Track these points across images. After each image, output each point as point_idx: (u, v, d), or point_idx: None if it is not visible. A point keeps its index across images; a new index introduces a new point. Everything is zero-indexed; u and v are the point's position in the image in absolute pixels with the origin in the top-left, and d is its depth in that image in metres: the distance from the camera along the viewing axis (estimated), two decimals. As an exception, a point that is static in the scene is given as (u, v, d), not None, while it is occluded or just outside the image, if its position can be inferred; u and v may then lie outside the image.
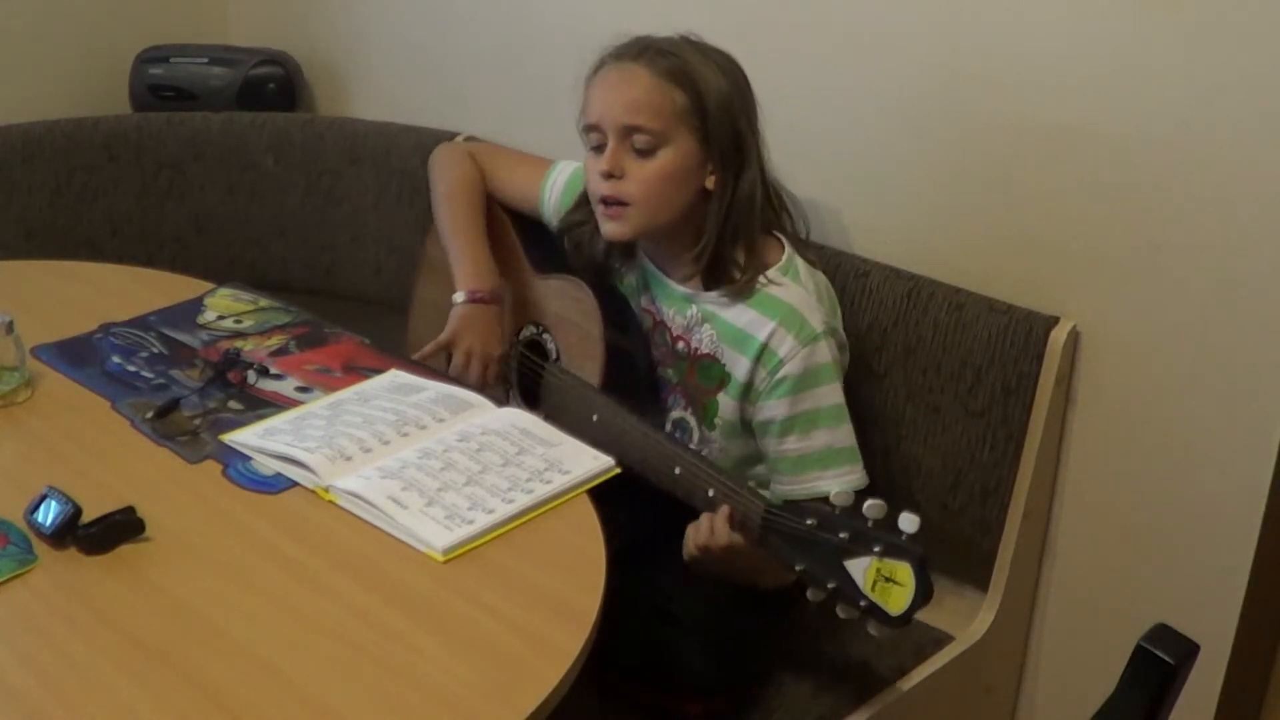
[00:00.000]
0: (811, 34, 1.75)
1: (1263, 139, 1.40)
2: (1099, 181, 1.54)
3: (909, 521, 1.20)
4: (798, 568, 1.26)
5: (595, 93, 1.55)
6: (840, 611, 1.24)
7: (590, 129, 1.55)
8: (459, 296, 1.68)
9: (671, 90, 1.50)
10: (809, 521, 1.25)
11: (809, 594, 1.26)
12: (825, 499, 1.52)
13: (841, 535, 1.22)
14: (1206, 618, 1.54)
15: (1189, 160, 1.46)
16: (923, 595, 1.19)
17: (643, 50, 1.53)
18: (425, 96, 2.31)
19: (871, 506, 1.21)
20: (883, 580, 1.20)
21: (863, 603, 1.21)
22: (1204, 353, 1.50)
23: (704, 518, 1.40)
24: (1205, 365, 1.50)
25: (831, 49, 1.74)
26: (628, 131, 1.51)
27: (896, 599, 1.19)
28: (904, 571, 1.18)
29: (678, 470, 1.41)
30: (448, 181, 1.81)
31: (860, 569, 1.21)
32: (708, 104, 1.51)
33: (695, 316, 1.59)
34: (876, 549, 1.20)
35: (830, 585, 1.23)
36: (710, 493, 1.38)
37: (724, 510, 1.36)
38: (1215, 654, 1.55)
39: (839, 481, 1.53)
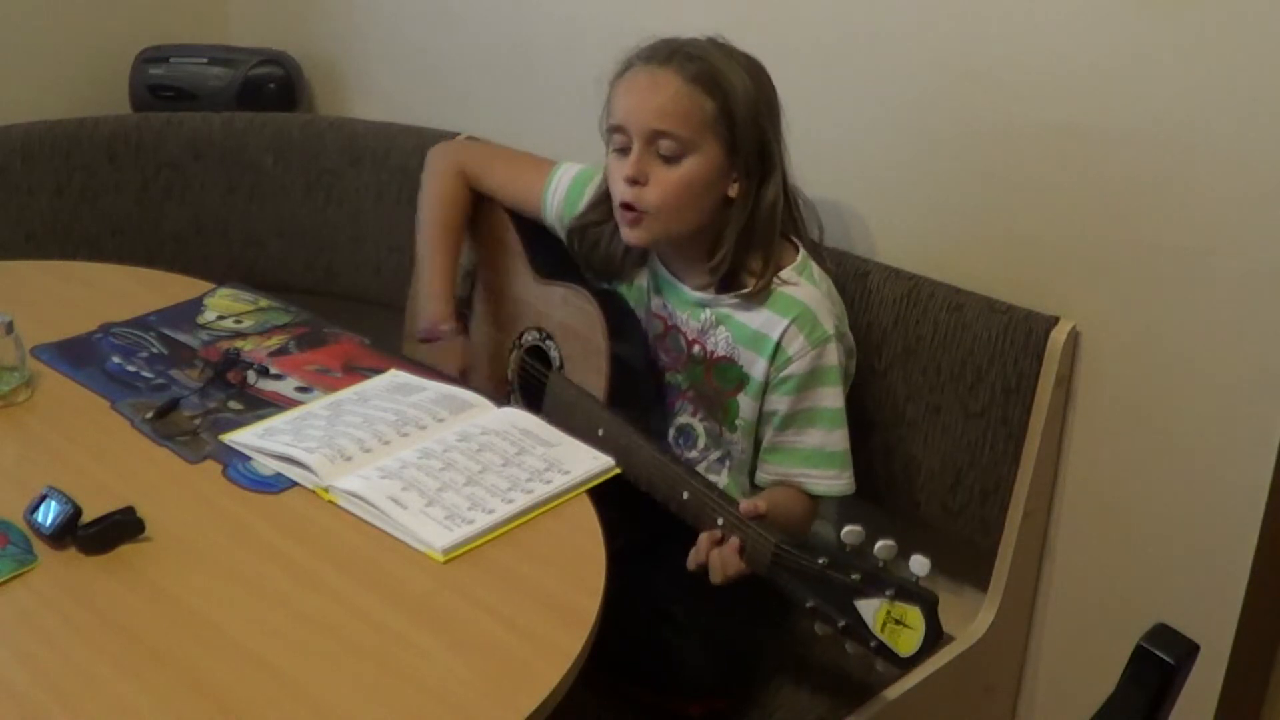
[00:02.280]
0: (811, 33, 1.75)
1: (1262, 138, 1.40)
2: (1099, 181, 1.54)
3: (920, 564, 1.20)
4: (808, 604, 1.27)
5: (622, 95, 1.52)
6: (849, 648, 1.25)
7: (615, 130, 1.53)
8: (423, 337, 1.72)
9: (701, 97, 1.48)
10: (820, 560, 1.25)
11: (817, 628, 1.27)
12: (802, 495, 1.55)
13: (853, 576, 1.22)
14: (1206, 618, 1.54)
15: (1189, 160, 1.46)
16: (932, 639, 1.20)
17: (672, 54, 1.50)
18: (425, 96, 2.32)
19: (883, 547, 1.21)
20: (893, 622, 1.20)
21: (873, 643, 1.22)
22: (1204, 352, 1.50)
23: (704, 539, 1.39)
24: (1205, 365, 1.50)
25: (831, 48, 1.74)
26: (654, 137, 1.49)
27: (906, 641, 1.20)
28: (914, 615, 1.19)
29: (686, 496, 1.41)
30: (428, 197, 1.81)
31: (871, 610, 1.21)
32: (736, 112, 1.49)
33: (709, 320, 1.59)
34: (888, 592, 1.20)
35: (841, 624, 1.24)
36: (720, 521, 1.37)
37: (733, 542, 1.35)
38: (1215, 654, 1.55)
39: (824, 483, 1.55)
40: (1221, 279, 1.47)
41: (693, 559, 1.39)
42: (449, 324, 1.72)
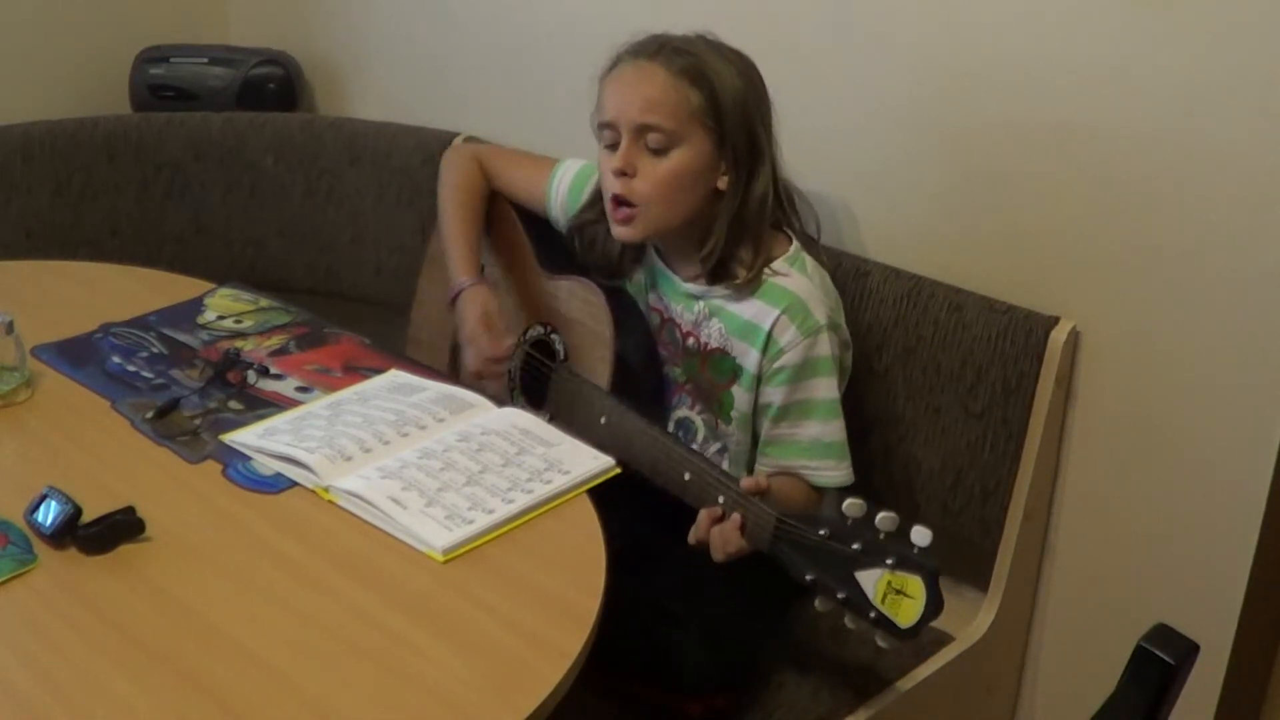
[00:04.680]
0: (811, 33, 1.75)
1: (1262, 138, 1.40)
2: (1099, 181, 1.54)
3: (921, 535, 1.20)
4: (808, 578, 1.26)
5: (610, 90, 1.54)
6: (849, 622, 1.25)
7: (605, 126, 1.54)
8: (450, 298, 1.69)
9: (687, 90, 1.49)
10: (821, 532, 1.25)
11: (817, 603, 1.26)
12: (803, 483, 1.55)
13: (854, 546, 1.22)
14: (1206, 618, 1.54)
15: (1189, 160, 1.46)
16: (933, 609, 1.19)
17: (659, 48, 1.52)
18: (425, 96, 2.32)
19: (884, 519, 1.21)
20: (893, 593, 1.20)
21: (872, 614, 1.21)
22: (1204, 353, 1.50)
23: (704, 516, 1.39)
24: (1205, 365, 1.50)
25: (832, 48, 1.74)
26: (642, 130, 1.50)
27: (907, 611, 1.19)
28: (915, 585, 1.19)
29: (687, 476, 1.41)
30: (449, 185, 1.82)
31: (871, 580, 1.21)
32: (723, 104, 1.50)
33: (703, 312, 1.59)
34: (889, 561, 1.20)
35: (840, 596, 1.23)
36: (721, 499, 1.37)
37: (735, 519, 1.35)
38: (1215, 654, 1.55)
39: (823, 474, 1.55)
40: (1221, 279, 1.47)
41: (693, 535, 1.40)
42: (467, 278, 1.70)
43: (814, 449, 1.55)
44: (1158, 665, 0.94)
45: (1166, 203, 1.49)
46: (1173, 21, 1.44)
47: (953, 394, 1.64)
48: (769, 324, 1.53)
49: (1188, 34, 1.43)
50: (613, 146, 1.53)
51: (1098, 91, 1.51)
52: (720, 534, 1.37)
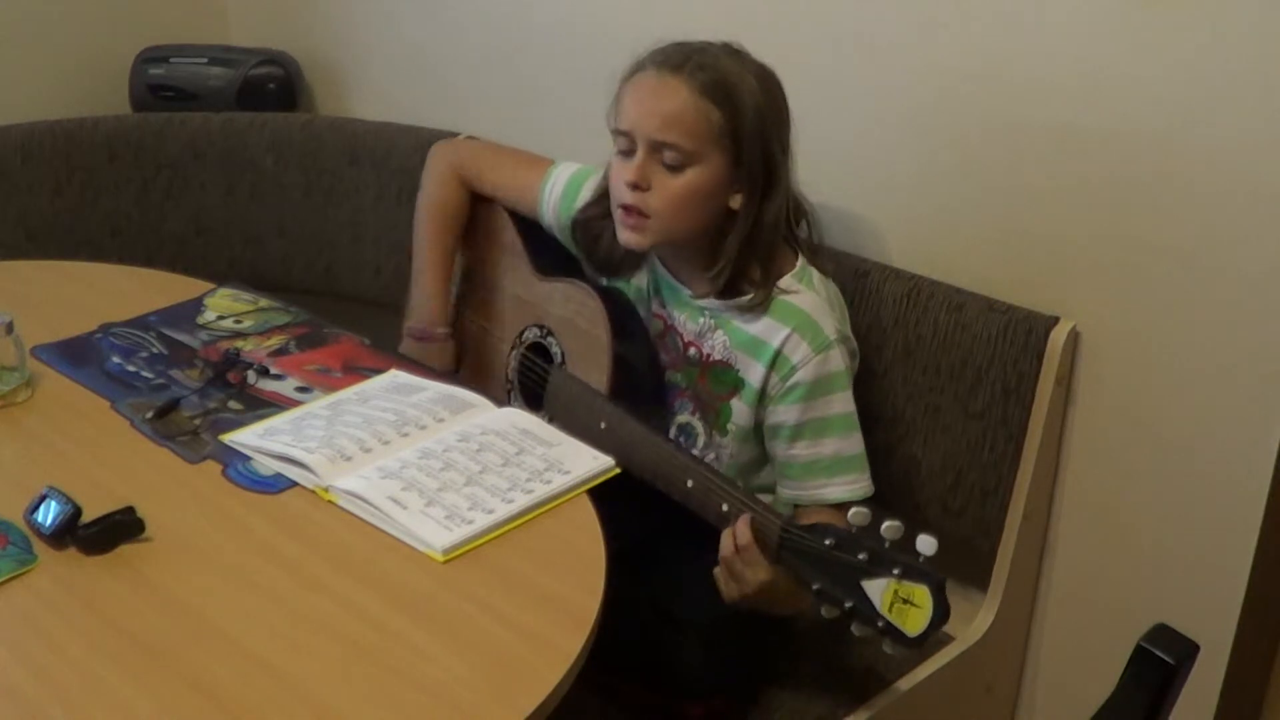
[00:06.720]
0: (811, 35, 1.75)
1: (1262, 138, 1.40)
2: (1099, 181, 1.54)
3: (927, 544, 1.20)
4: (815, 586, 1.26)
5: (630, 99, 1.51)
6: (856, 630, 1.25)
7: (621, 134, 1.52)
8: (416, 336, 1.76)
9: (709, 109, 1.47)
10: (827, 541, 1.25)
11: (824, 611, 1.26)
12: (842, 515, 1.53)
13: (860, 556, 1.22)
14: (1206, 618, 1.54)
15: (1189, 160, 1.46)
16: (940, 618, 1.19)
17: (684, 61, 1.49)
18: (425, 96, 2.32)
19: (890, 528, 1.21)
20: (900, 602, 1.20)
21: (880, 623, 1.22)
22: (1204, 353, 1.50)
23: (726, 535, 1.38)
24: (1205, 365, 1.50)
25: (832, 50, 1.74)
26: (659, 146, 1.48)
27: (914, 620, 1.19)
28: (921, 594, 1.19)
29: (690, 483, 1.40)
30: (429, 202, 1.82)
31: (878, 590, 1.21)
32: (743, 126, 1.48)
33: (708, 323, 1.59)
34: (895, 571, 1.20)
35: (847, 605, 1.23)
36: (725, 507, 1.37)
37: (744, 518, 1.34)
38: (1215, 654, 1.55)
39: (845, 489, 1.54)
40: (1221, 279, 1.47)
41: (725, 592, 1.38)
42: (443, 329, 1.74)
43: (836, 464, 1.54)
44: (1158, 665, 0.94)
45: (1166, 203, 1.49)
46: (1172, 23, 1.44)
47: (953, 394, 1.64)
48: (778, 342, 1.52)
49: (1187, 35, 1.43)
50: (627, 154, 1.52)
51: (1097, 93, 1.51)
52: (731, 537, 1.35)
